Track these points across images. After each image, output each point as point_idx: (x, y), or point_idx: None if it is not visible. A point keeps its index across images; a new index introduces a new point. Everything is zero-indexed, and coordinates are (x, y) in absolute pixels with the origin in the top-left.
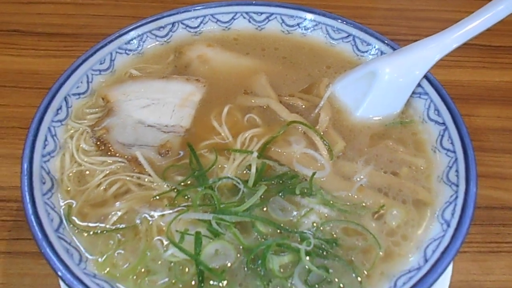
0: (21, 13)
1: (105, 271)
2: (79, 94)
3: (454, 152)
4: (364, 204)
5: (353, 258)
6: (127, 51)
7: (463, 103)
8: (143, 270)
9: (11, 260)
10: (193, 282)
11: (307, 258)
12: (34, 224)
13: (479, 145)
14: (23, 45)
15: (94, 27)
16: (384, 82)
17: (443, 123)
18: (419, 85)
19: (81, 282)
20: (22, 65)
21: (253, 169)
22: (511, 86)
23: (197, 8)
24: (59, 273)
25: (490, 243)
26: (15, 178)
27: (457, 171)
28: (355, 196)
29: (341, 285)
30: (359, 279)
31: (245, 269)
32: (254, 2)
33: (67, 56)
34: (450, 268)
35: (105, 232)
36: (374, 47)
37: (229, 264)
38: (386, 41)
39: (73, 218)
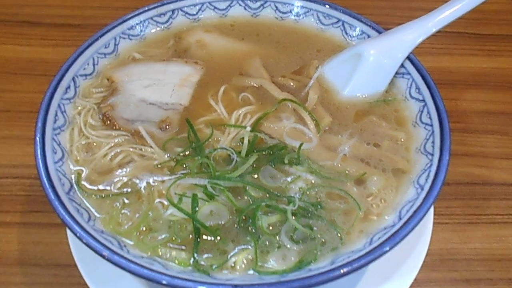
0: (31, 5)
1: (111, 229)
2: (86, 75)
3: (431, 125)
4: (347, 172)
5: (335, 219)
6: (130, 36)
7: (450, 88)
8: (145, 228)
9: (25, 230)
10: (190, 236)
11: (293, 217)
12: (47, 186)
13: (464, 127)
14: (33, 35)
15: (100, 18)
16: (369, 63)
17: (423, 100)
18: (402, 66)
19: (91, 235)
20: (32, 54)
21: (246, 141)
22: (497, 72)
23: None
24: (70, 228)
25: (469, 215)
26: (27, 157)
27: (433, 142)
28: (339, 165)
29: (323, 240)
30: (339, 235)
31: (237, 227)
32: None
33: (74, 46)
34: (428, 237)
35: (111, 196)
36: (361, 31)
37: (222, 223)
38: (372, 25)
39: (83, 183)
